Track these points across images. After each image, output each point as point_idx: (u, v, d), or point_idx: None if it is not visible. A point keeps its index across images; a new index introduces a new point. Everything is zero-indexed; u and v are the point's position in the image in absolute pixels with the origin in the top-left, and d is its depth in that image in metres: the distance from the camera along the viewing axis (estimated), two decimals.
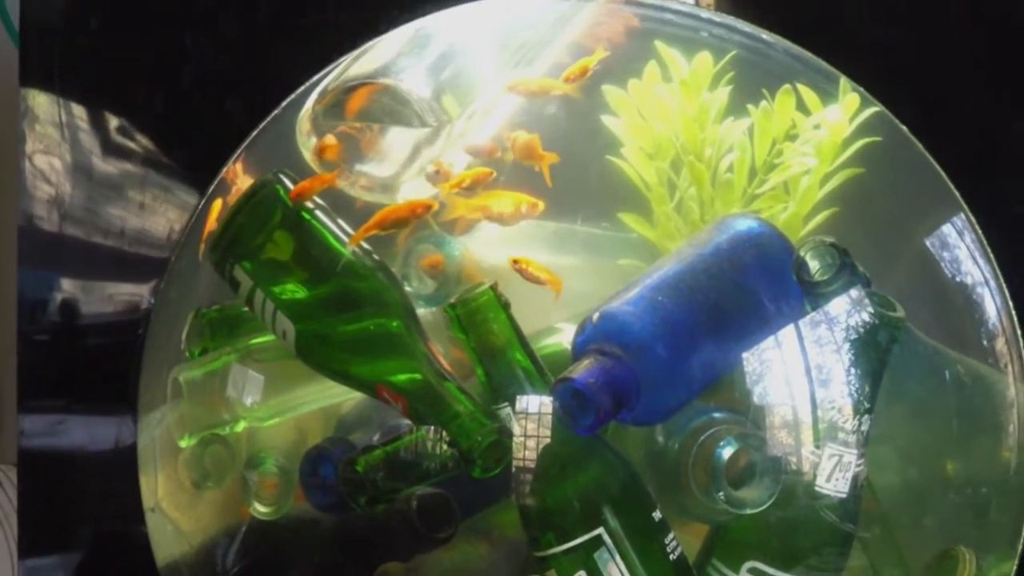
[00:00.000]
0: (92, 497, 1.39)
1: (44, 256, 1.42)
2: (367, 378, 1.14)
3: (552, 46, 1.25)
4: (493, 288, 1.13)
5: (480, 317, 1.13)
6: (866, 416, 1.08)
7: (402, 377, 1.13)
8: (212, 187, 1.29)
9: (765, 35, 1.26)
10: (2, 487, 1.73)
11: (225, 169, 1.29)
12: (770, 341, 1.09)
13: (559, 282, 1.16)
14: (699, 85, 1.23)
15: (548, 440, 1.07)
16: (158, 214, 1.36)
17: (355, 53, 1.28)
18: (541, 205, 1.17)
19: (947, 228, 1.23)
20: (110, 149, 1.40)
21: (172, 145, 1.39)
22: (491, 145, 1.19)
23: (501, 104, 1.24)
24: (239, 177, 1.27)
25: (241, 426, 1.23)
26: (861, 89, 1.23)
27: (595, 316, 1.09)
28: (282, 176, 1.19)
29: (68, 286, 1.41)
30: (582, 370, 1.05)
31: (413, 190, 1.22)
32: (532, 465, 1.08)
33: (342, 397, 1.23)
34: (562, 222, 1.23)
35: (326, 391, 1.22)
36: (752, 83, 1.23)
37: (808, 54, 1.25)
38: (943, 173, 1.23)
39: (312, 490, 1.20)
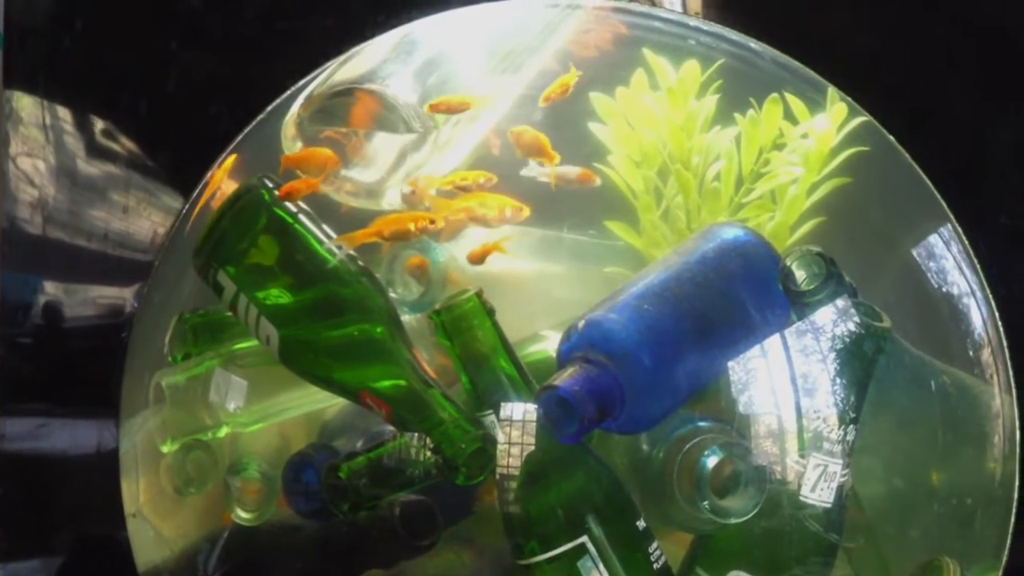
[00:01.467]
0: (73, 501, 1.39)
1: (27, 259, 1.41)
2: (351, 384, 1.14)
3: (539, 53, 1.25)
4: (478, 295, 1.13)
5: (465, 324, 1.13)
6: (851, 426, 1.08)
7: (386, 383, 1.13)
8: (196, 191, 1.29)
9: (753, 44, 1.27)
10: None
11: (210, 173, 1.29)
12: (756, 350, 1.09)
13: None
14: (686, 93, 1.23)
15: (532, 448, 1.07)
16: (142, 217, 1.36)
17: (341, 58, 1.28)
18: (527, 210, 1.17)
19: (933, 238, 1.24)
20: (94, 152, 1.40)
21: (156, 148, 1.39)
22: (583, 172, 1.20)
23: (488, 111, 1.24)
24: (224, 181, 1.27)
25: (224, 431, 1.23)
26: (849, 99, 1.24)
27: (580, 324, 1.09)
28: (267, 181, 1.19)
29: (51, 289, 1.41)
30: (567, 378, 1.05)
31: (398, 196, 1.23)
32: (516, 473, 1.07)
33: (326, 403, 1.23)
34: (548, 229, 1.23)
35: (310, 397, 1.22)
36: (740, 92, 1.23)
37: (796, 63, 1.25)
38: (930, 183, 1.23)
39: (295, 496, 1.20)
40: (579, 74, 1.19)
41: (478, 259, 1.18)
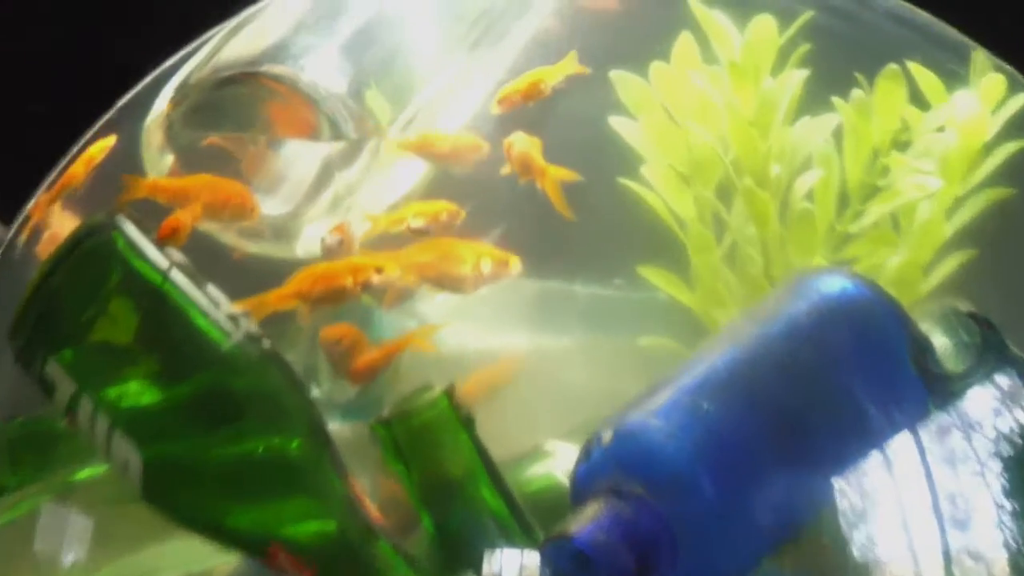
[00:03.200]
0: None
1: None
2: (253, 532, 0.97)
3: (531, 14, 1.12)
4: (448, 394, 0.98)
5: (429, 438, 0.98)
6: None
7: (307, 530, 0.97)
8: (13, 229, 1.14)
9: None
10: None
11: (32, 204, 1.14)
12: (876, 463, 0.92)
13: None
14: (758, 67, 1.09)
15: None
16: None
17: (230, 25, 1.14)
18: (514, 262, 1.03)
19: None
20: None
21: None
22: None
23: (459, 102, 1.11)
24: (54, 218, 1.12)
25: None
26: (1007, 67, 1.09)
27: (606, 435, 0.92)
28: (121, 218, 1.02)
29: None
30: (587, 521, 0.89)
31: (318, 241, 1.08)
32: None
33: (213, 561, 1.06)
34: (551, 280, 1.07)
35: (190, 552, 1.05)
36: (839, 62, 1.08)
37: (925, 15, 1.11)
38: None
39: None
40: (583, 70, 1.06)
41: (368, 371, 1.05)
